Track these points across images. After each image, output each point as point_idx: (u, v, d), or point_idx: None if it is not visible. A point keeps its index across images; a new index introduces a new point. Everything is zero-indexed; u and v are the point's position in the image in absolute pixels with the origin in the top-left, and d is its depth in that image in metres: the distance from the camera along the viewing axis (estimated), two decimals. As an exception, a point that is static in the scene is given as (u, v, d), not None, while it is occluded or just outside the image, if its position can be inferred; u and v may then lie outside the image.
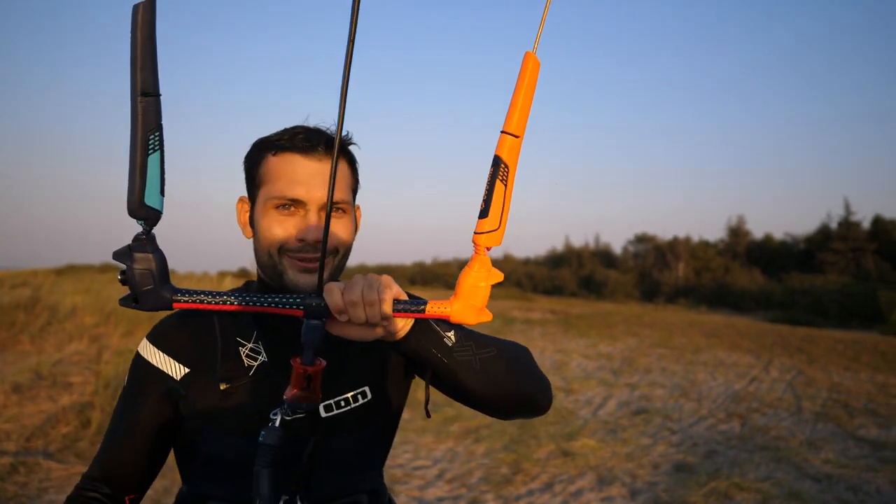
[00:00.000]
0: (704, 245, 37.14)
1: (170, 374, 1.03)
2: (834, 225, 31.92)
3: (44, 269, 28.53)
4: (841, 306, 21.26)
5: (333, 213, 1.01)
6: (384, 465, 1.16)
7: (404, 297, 0.88)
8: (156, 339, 1.06)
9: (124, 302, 0.87)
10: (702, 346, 11.71)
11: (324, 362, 0.86)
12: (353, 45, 0.72)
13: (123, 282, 0.86)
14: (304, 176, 0.98)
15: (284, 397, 0.85)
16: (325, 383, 0.97)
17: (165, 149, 0.83)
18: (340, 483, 1.04)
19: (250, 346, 1.04)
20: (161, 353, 1.04)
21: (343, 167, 1.04)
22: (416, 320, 0.90)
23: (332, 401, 1.03)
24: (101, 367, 5.41)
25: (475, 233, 0.86)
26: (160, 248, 0.86)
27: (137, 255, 0.85)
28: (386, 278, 0.87)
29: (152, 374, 1.03)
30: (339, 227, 1.02)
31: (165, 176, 0.83)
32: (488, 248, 0.87)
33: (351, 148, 1.08)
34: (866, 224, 30.95)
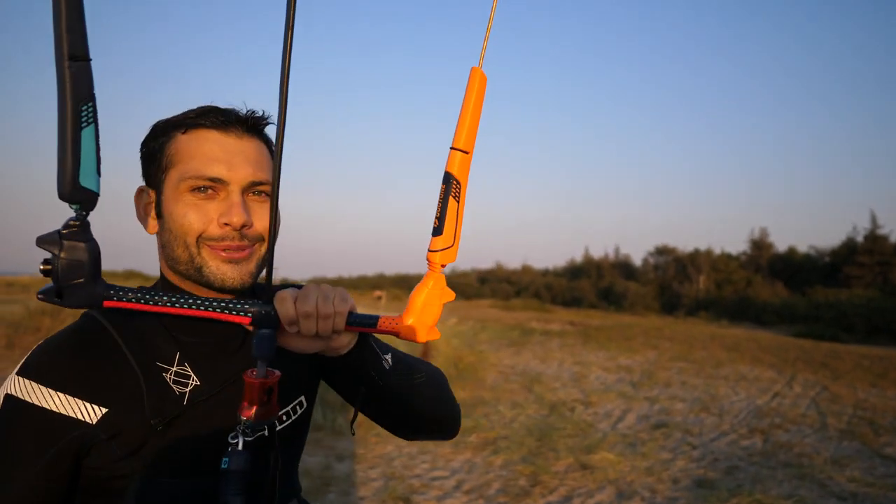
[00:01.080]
0: (726, 257, 36.72)
1: (79, 418, 0.79)
2: (860, 238, 31.39)
3: (69, 276, 28.99)
4: (867, 321, 20.86)
5: (258, 198, 0.88)
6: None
7: (356, 310, 0.85)
8: (44, 375, 0.80)
9: (45, 296, 0.73)
10: (723, 360, 11.56)
11: (278, 372, 0.80)
12: (292, 28, 0.68)
13: (46, 273, 0.72)
14: (223, 153, 0.85)
15: (244, 417, 0.77)
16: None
17: (99, 122, 0.71)
18: (285, 495, 0.97)
19: (174, 369, 0.86)
20: (60, 395, 0.79)
21: (262, 146, 0.91)
22: (360, 337, 0.88)
23: (283, 412, 0.95)
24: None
25: (429, 250, 0.84)
26: (95, 238, 0.73)
27: (67, 244, 0.71)
28: (342, 290, 0.83)
29: (51, 422, 0.78)
30: (264, 212, 0.88)
31: (101, 153, 0.72)
32: (443, 266, 0.86)
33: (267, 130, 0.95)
34: (893, 237, 30.40)
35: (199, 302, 0.79)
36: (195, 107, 0.89)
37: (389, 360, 0.94)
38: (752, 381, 9.25)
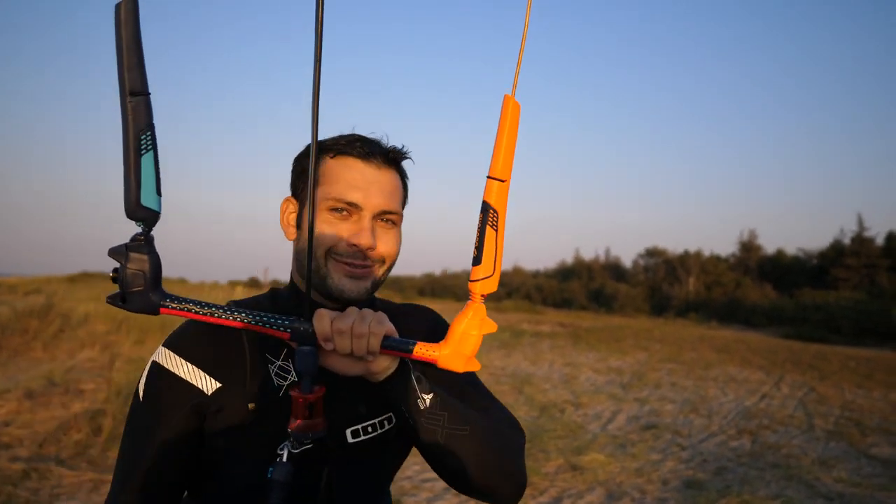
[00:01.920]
0: (715, 259, 36.92)
1: (201, 388, 0.94)
2: (847, 240, 31.66)
3: (57, 277, 28.86)
4: (854, 323, 21.04)
5: (385, 225, 0.98)
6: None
7: (395, 335, 0.86)
8: (180, 348, 0.96)
9: (111, 300, 0.83)
10: (712, 361, 11.63)
11: (323, 388, 0.85)
12: (321, 42, 0.74)
13: (115, 280, 0.82)
14: (363, 181, 0.96)
15: (289, 429, 0.84)
16: (352, 409, 0.99)
17: (160, 148, 0.80)
18: None
19: (279, 363, 0.98)
20: (188, 365, 0.95)
21: (396, 177, 1.01)
22: (401, 367, 0.88)
23: (359, 426, 1.00)
24: (113, 375, 5.46)
25: (470, 280, 0.85)
26: (157, 251, 0.83)
27: (133, 255, 0.81)
28: (380, 314, 0.85)
29: (180, 387, 0.94)
30: (388, 238, 0.98)
31: (161, 176, 0.81)
32: (484, 296, 0.86)
33: (404, 163, 1.05)
34: (880, 240, 30.67)
35: (244, 315, 0.85)
36: (346, 133, 1.00)
37: (428, 400, 0.88)
38: (741, 382, 9.31)
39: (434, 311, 1.16)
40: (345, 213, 0.95)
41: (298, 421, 0.83)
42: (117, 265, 0.82)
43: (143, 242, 0.81)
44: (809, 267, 33.54)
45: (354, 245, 0.94)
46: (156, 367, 0.96)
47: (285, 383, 0.96)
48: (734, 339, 16.85)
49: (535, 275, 46.28)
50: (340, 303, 0.97)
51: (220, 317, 0.85)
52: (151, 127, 0.78)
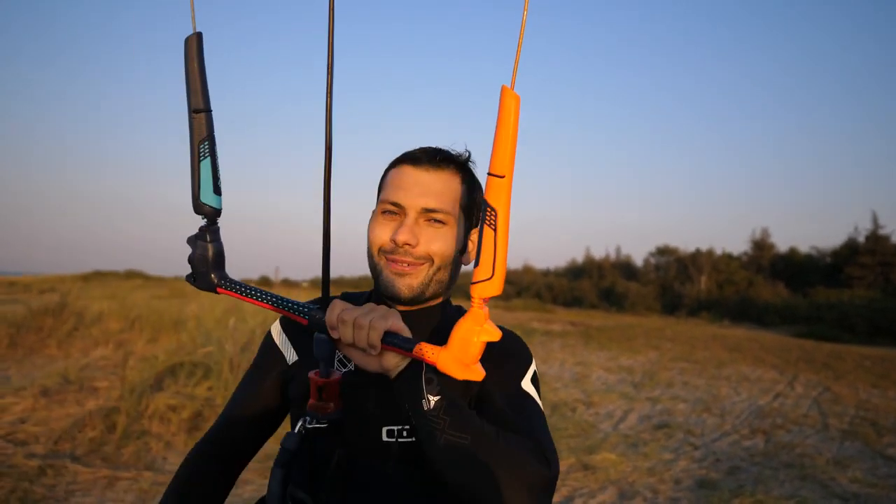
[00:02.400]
0: (727, 258, 36.69)
1: (286, 356, 1.11)
2: (861, 238, 31.37)
3: (71, 275, 29.10)
4: (868, 322, 20.83)
5: (429, 223, 1.01)
6: None
7: (405, 333, 0.86)
8: (284, 322, 1.14)
9: (187, 278, 0.98)
10: (725, 360, 11.55)
11: (338, 375, 0.90)
12: (332, 40, 0.80)
13: (189, 262, 0.97)
14: (408, 183, 1.03)
15: (307, 406, 0.91)
16: (396, 408, 0.96)
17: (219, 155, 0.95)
18: None
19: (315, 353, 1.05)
20: (284, 336, 1.13)
21: (451, 180, 1.05)
22: (412, 366, 0.87)
23: (395, 427, 1.00)
24: (126, 373, 5.50)
25: (470, 283, 0.82)
26: (220, 240, 0.96)
27: (198, 243, 0.95)
28: (391, 311, 0.87)
29: (275, 352, 1.13)
30: (434, 236, 1.01)
31: (220, 178, 0.94)
32: (484, 300, 0.82)
33: (471, 167, 1.10)
34: (895, 238, 30.33)
35: (273, 299, 0.95)
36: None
37: (433, 402, 0.85)
38: (754, 381, 9.24)
39: (520, 339, 1.11)
40: (393, 213, 1.03)
41: (312, 400, 0.91)
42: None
43: (207, 232, 0.95)
44: (823, 265, 33.26)
45: (394, 241, 1.00)
46: (268, 331, 1.16)
47: (344, 370, 1.05)
48: (747, 338, 16.73)
49: (546, 273, 46.17)
50: (395, 302, 1.04)
51: (258, 299, 0.96)
52: (211, 138, 0.92)
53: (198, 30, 0.91)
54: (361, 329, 0.85)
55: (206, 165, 0.92)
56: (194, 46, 0.90)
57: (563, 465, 4.83)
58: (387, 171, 1.09)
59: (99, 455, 4.43)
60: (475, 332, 0.83)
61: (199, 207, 0.93)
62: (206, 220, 0.95)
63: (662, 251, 40.45)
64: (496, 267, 0.80)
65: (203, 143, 0.91)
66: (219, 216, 0.95)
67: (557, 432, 5.72)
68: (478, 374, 0.86)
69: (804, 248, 36.48)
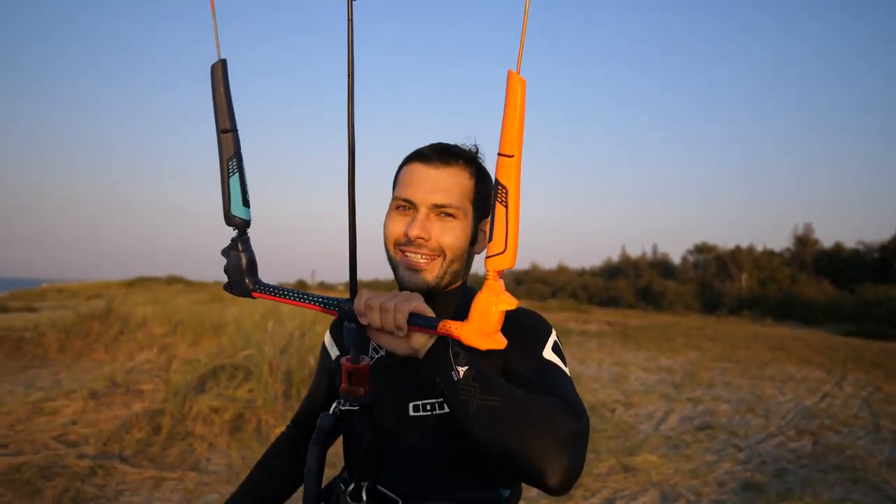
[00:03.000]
0: (769, 254, 35.76)
1: (331, 354, 1.26)
2: (911, 232, 30.16)
3: (116, 282, 29.98)
4: (920, 319, 20.03)
5: (440, 217, 1.08)
6: (507, 485, 1.12)
7: (429, 314, 0.91)
8: (332, 325, 1.30)
9: (224, 287, 1.06)
10: (768, 359, 11.26)
11: (367, 361, 0.97)
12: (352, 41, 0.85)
13: (224, 272, 1.04)
14: (418, 180, 1.09)
15: (340, 390, 0.99)
16: (416, 386, 1.07)
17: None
18: (426, 485, 1.07)
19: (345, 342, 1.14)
20: (329, 336, 1.28)
21: (460, 175, 1.11)
22: (439, 343, 0.92)
23: (419, 402, 1.08)
24: (170, 376, 5.64)
25: (485, 257, 0.87)
26: (252, 249, 1.04)
27: (231, 253, 1.03)
28: (412, 294, 0.92)
29: (325, 353, 1.29)
30: (444, 230, 1.08)
31: (248, 191, 1.01)
32: (499, 272, 0.87)
33: (479, 161, 1.16)
34: (947, 231, 29.11)
35: (305, 297, 1.02)
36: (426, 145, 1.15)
37: (462, 372, 0.90)
38: (800, 381, 8.98)
39: (537, 314, 1.15)
40: (405, 209, 1.10)
41: (344, 385, 0.97)
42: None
43: (238, 242, 1.03)
44: (870, 260, 32.12)
45: (407, 235, 1.07)
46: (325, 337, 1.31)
47: (377, 356, 1.15)
48: (791, 337, 16.27)
49: (581, 273, 45.69)
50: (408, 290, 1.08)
51: (292, 298, 1.02)
52: (238, 155, 0.99)
53: (222, 56, 0.97)
54: (387, 312, 0.90)
55: (234, 181, 0.99)
56: (220, 72, 0.97)
57: (604, 467, 4.77)
58: (399, 168, 1.15)
59: (146, 456, 4.55)
60: (493, 303, 0.87)
61: (230, 220, 1.01)
62: (236, 231, 1.02)
63: (701, 249, 39.64)
64: (508, 241, 0.84)
65: (231, 160, 0.99)
66: (248, 227, 1.03)
67: (597, 433, 5.66)
68: (500, 342, 0.89)
69: (850, 243, 35.33)
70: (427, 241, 1.07)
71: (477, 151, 1.16)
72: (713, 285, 34.39)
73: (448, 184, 1.09)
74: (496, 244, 0.85)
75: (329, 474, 1.12)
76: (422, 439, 1.08)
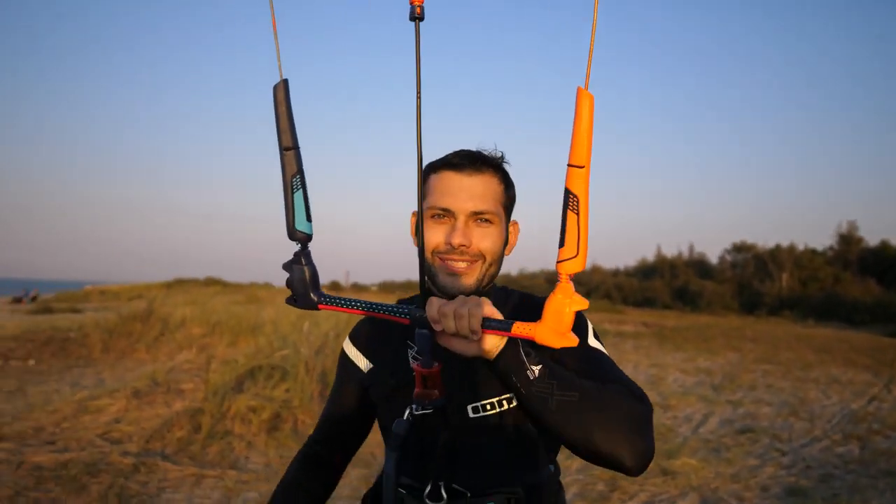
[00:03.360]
0: (811, 253, 34.79)
1: (359, 366, 1.26)
2: (962, 230, 29.00)
3: (155, 283, 30.75)
4: (973, 319, 19.23)
5: (478, 224, 1.13)
6: (552, 461, 1.23)
7: (498, 316, 0.94)
8: (352, 336, 1.30)
9: (288, 301, 1.08)
10: (812, 361, 10.95)
11: (439, 365, 0.99)
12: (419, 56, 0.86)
13: (287, 286, 1.06)
14: (454, 189, 1.13)
15: (414, 395, 1.02)
16: (473, 387, 1.12)
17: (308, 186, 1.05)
18: (494, 477, 1.12)
19: (416, 348, 1.15)
20: (354, 349, 1.28)
21: (491, 181, 1.16)
22: (510, 345, 0.95)
23: (478, 403, 1.12)
24: (209, 376, 5.75)
25: (556, 261, 0.90)
26: (314, 263, 1.05)
27: (294, 267, 1.05)
28: (482, 299, 0.95)
29: (350, 365, 1.28)
30: (484, 236, 1.13)
31: (310, 206, 1.03)
32: (571, 275, 0.91)
33: (504, 167, 1.21)
34: None
35: (371, 306, 1.03)
36: (451, 151, 1.19)
37: (537, 371, 0.94)
38: (846, 384, 8.70)
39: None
40: (443, 218, 1.13)
41: (418, 389, 1.01)
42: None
43: (301, 256, 1.04)
44: (919, 259, 30.95)
45: (450, 244, 1.11)
46: (342, 350, 1.31)
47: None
48: (835, 338, 15.79)
49: (615, 273, 45.14)
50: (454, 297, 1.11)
51: (357, 308, 1.04)
52: (300, 172, 1.01)
53: (284, 77, 1.00)
54: (461, 318, 0.92)
55: (298, 197, 1.01)
56: (282, 92, 1.00)
57: (641, 470, 4.69)
58: (427, 175, 1.18)
59: (186, 454, 4.64)
60: (566, 304, 0.91)
61: (293, 235, 1.02)
62: (299, 245, 1.04)
63: (739, 248, 38.78)
64: (580, 246, 0.88)
65: (294, 177, 1.01)
66: (310, 241, 1.04)
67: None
68: (573, 340, 0.93)
69: (897, 241, 34.09)
70: (468, 247, 1.12)
71: (503, 157, 1.21)
72: (752, 285, 33.60)
73: (482, 190, 1.13)
74: (569, 249, 0.89)
75: (365, 474, 1.14)
76: (484, 437, 1.12)
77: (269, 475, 4.30)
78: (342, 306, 1.05)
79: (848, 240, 35.25)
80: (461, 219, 1.12)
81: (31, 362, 8.64)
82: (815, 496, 4.17)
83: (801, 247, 35.52)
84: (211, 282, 32.67)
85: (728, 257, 39.57)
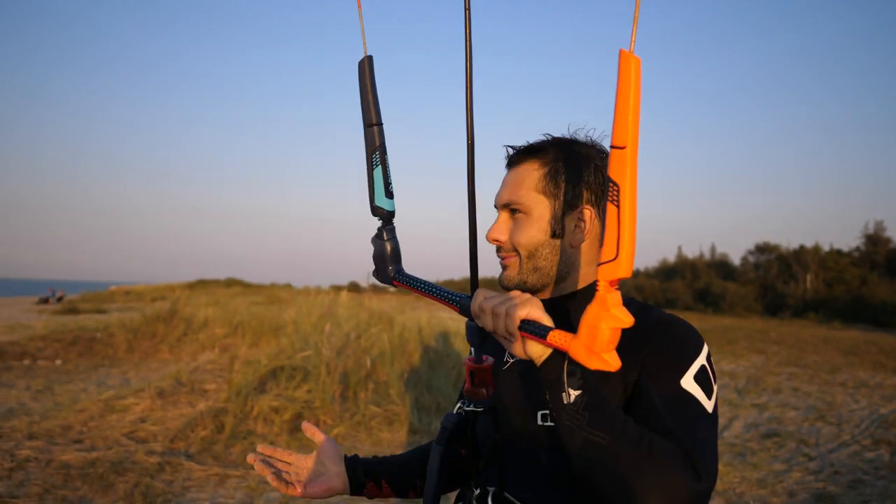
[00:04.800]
0: (836, 254, 34.14)
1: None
2: None
3: (178, 284, 31.13)
4: None
5: (512, 216, 1.08)
6: None
7: (544, 321, 0.83)
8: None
9: (373, 273, 1.09)
10: (839, 364, 10.74)
11: (490, 361, 0.93)
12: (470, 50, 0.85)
13: (372, 259, 1.08)
14: (502, 184, 1.12)
15: (463, 390, 0.98)
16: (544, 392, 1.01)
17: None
18: (552, 497, 0.99)
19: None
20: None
21: (526, 169, 1.08)
22: (554, 356, 0.85)
23: (548, 411, 0.98)
24: (232, 376, 5.80)
25: (597, 264, 0.78)
26: (396, 237, 1.07)
27: (377, 241, 1.07)
28: (529, 299, 0.85)
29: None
30: (515, 228, 1.08)
31: (391, 182, 1.04)
32: (612, 283, 0.76)
33: (558, 150, 1.08)
34: None
35: (436, 290, 1.00)
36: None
37: (573, 396, 0.82)
38: (874, 387, 8.52)
39: (689, 326, 1.03)
40: (498, 213, 1.12)
41: (467, 385, 0.96)
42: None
43: (383, 231, 1.06)
44: (949, 260, 30.24)
45: (486, 239, 1.09)
46: None
47: (511, 360, 1.10)
48: (863, 341, 15.47)
49: (636, 274, 44.74)
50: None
51: (424, 291, 1.02)
52: (382, 148, 1.02)
53: (369, 53, 0.99)
54: (498, 317, 0.85)
55: (378, 173, 1.02)
56: (367, 68, 1.00)
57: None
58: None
59: (210, 453, 4.69)
60: (601, 318, 0.76)
61: (375, 210, 1.04)
62: (381, 220, 1.06)
63: (762, 248, 38.17)
64: (621, 246, 0.74)
65: (375, 153, 1.02)
66: (393, 217, 1.05)
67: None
68: (610, 364, 0.77)
69: (926, 241, 33.32)
70: (503, 241, 1.08)
71: (552, 140, 1.09)
72: (776, 287, 33.07)
73: (514, 181, 1.08)
74: (608, 250, 0.75)
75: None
76: (550, 449, 0.99)
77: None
78: (412, 286, 1.04)
79: (875, 240, 34.53)
80: (499, 214, 1.10)
81: (59, 362, 8.80)
82: (845, 502, 4.09)
83: (826, 247, 34.90)
84: (232, 282, 33.03)
85: (751, 258, 38.99)
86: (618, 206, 0.73)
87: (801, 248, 35.15)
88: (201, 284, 31.10)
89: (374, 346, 6.88)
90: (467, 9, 0.85)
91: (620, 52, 0.71)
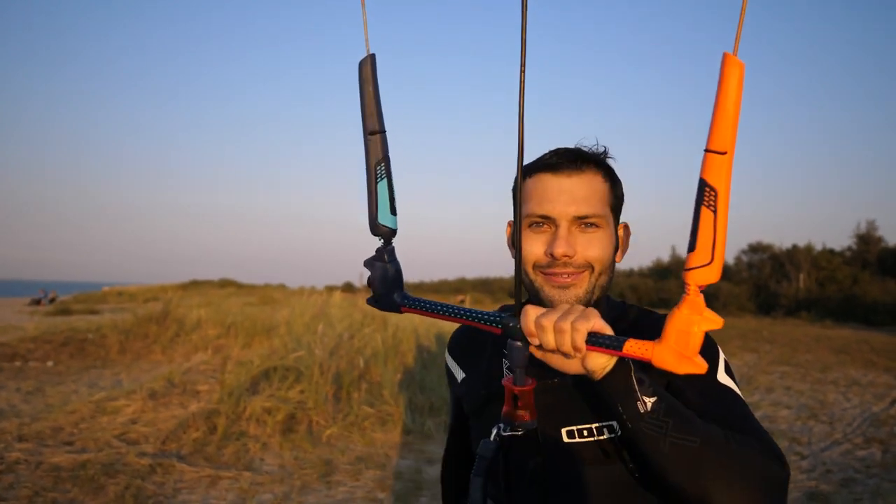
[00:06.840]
0: (828, 254, 34.34)
1: (455, 375, 1.20)
2: (985, 229, 28.49)
3: (171, 285, 31.02)
4: None
5: (586, 230, 1.00)
6: None
7: (608, 332, 0.81)
8: (450, 344, 1.25)
9: (369, 301, 0.98)
10: (831, 363, 10.79)
11: (533, 383, 0.87)
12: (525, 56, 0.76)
13: (369, 285, 0.97)
14: (553, 193, 1.00)
15: (502, 413, 0.91)
16: (571, 409, 0.98)
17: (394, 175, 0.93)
18: None
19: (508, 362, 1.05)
20: (451, 358, 1.22)
21: (594, 180, 1.02)
22: (620, 366, 0.83)
23: (574, 427, 0.98)
24: (224, 377, 5.77)
25: (684, 269, 0.77)
26: (397, 260, 0.95)
27: (376, 264, 0.95)
28: (589, 310, 0.82)
29: (449, 374, 1.22)
30: (590, 243, 1.00)
31: (395, 198, 0.93)
32: (701, 287, 0.76)
33: (609, 163, 1.07)
34: None
35: (460, 312, 0.91)
36: (547, 151, 1.06)
37: (650, 404, 0.81)
38: (866, 386, 8.56)
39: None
40: (543, 226, 1.01)
41: (506, 408, 0.90)
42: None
43: (384, 253, 0.94)
44: (940, 259, 30.46)
45: (551, 255, 0.98)
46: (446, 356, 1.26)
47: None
48: (854, 339, 15.55)
49: (629, 274, 44.85)
50: None
51: (445, 314, 0.92)
52: (386, 159, 0.91)
53: (371, 51, 0.88)
54: (563, 333, 0.80)
55: (382, 186, 0.91)
56: (369, 69, 0.88)
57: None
58: (523, 181, 1.04)
59: (202, 455, 4.66)
60: (695, 322, 0.76)
61: (376, 228, 0.92)
62: (382, 240, 0.94)
63: (755, 248, 38.35)
64: (716, 252, 0.74)
65: (379, 164, 0.90)
66: (394, 236, 0.94)
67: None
68: (700, 366, 0.77)
69: (917, 241, 33.55)
70: (573, 257, 0.99)
71: (605, 152, 1.06)
72: (769, 286, 33.25)
73: (585, 191, 1.00)
74: (701, 255, 0.74)
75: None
76: (579, 467, 0.98)
77: (283, 476, 4.30)
78: (427, 311, 0.94)
79: (867, 240, 34.75)
80: (563, 225, 0.99)
81: (50, 363, 8.74)
82: (837, 501, 4.10)
83: (818, 247, 35.09)
84: (226, 283, 32.90)
85: (744, 258, 39.16)
86: (714, 212, 0.73)
87: (794, 247, 35.34)
88: (195, 285, 30.98)
89: (367, 346, 6.87)
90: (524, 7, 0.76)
91: (724, 55, 0.70)
